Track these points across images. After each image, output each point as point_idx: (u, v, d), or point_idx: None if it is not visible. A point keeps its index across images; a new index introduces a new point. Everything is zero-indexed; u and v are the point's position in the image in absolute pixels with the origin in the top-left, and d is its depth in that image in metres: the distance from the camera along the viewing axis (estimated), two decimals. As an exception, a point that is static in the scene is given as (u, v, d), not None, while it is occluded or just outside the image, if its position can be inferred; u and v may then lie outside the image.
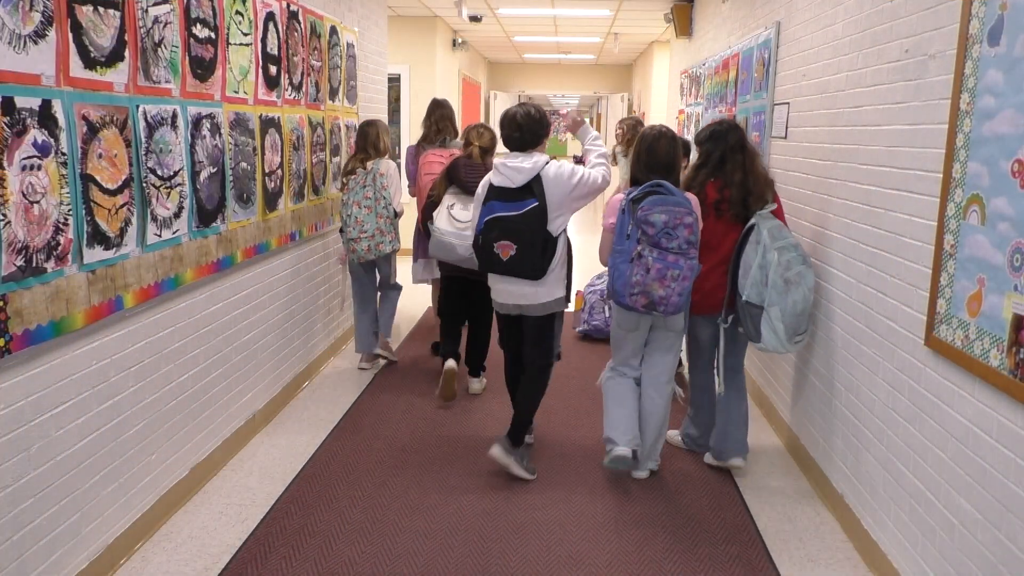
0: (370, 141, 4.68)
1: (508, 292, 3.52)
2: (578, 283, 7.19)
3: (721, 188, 3.45)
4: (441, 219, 4.07)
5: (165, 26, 2.91)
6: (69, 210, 2.39)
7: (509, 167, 3.41)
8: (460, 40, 11.78)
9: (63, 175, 2.35)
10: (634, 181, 3.41)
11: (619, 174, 6.52)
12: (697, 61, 7.23)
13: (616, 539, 3.05)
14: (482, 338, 4.64)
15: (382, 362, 5.16)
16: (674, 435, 4.03)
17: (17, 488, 2.26)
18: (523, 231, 3.33)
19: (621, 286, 3.23)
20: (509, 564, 2.86)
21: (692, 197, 3.35)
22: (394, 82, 9.77)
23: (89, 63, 2.47)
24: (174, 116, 3.00)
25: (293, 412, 4.30)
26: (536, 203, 3.33)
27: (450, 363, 4.40)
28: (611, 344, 3.63)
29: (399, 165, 4.99)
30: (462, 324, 4.64)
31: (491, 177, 3.49)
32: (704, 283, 3.42)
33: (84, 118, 2.44)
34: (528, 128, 3.43)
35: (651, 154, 3.36)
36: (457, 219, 4.04)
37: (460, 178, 4.15)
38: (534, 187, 3.35)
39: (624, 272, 3.21)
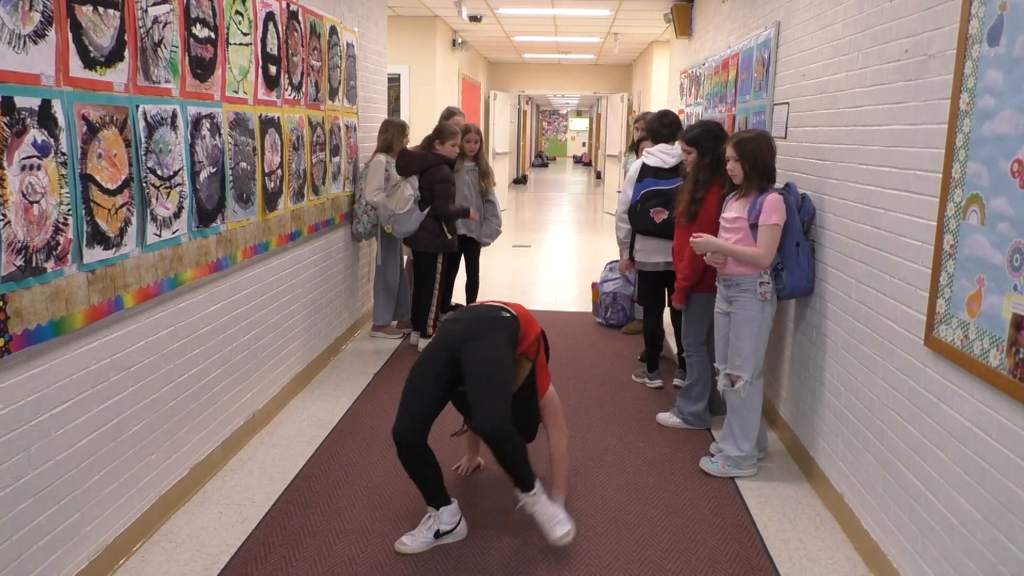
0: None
1: (660, 250, 4.41)
2: (593, 276, 7.25)
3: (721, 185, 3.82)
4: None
5: (165, 26, 2.91)
6: (69, 210, 2.39)
7: (663, 153, 4.45)
8: (460, 40, 11.78)
9: (63, 175, 2.35)
10: (761, 174, 3.50)
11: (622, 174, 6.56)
12: (697, 61, 7.23)
13: (616, 539, 3.05)
14: (424, 299, 5.47)
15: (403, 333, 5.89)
16: (667, 417, 4.18)
17: (17, 488, 2.26)
18: (673, 200, 4.16)
19: (812, 275, 3.55)
20: (510, 564, 2.86)
21: None
22: (394, 82, 9.77)
23: (89, 63, 2.47)
24: (174, 116, 3.00)
25: (293, 412, 4.30)
26: (681, 180, 4.16)
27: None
28: (756, 347, 3.53)
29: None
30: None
31: (645, 160, 4.49)
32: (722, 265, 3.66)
33: (84, 118, 2.44)
34: (675, 126, 4.61)
35: (775, 152, 3.58)
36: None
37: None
38: (680, 168, 4.29)
39: (812, 262, 3.55)
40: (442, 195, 5.23)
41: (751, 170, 3.47)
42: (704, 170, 3.89)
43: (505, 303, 3.19)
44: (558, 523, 2.88)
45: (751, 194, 3.50)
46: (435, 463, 2.94)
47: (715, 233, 3.67)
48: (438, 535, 2.93)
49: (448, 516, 2.95)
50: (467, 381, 2.87)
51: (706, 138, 3.89)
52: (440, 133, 5.35)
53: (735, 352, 3.57)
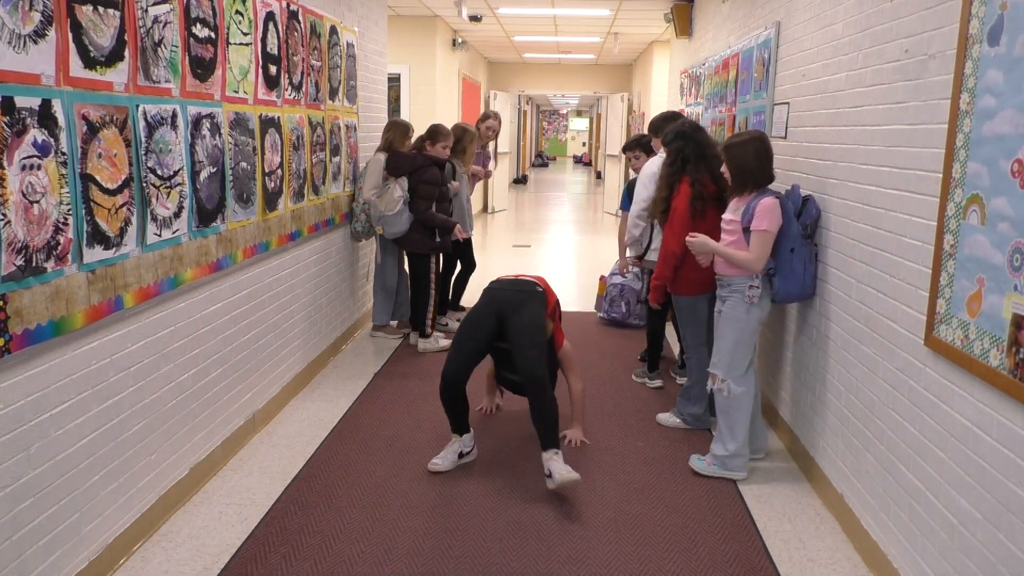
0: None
1: None
2: (592, 276, 7.24)
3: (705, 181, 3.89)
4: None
5: (165, 26, 2.91)
6: (69, 210, 2.39)
7: None
8: (460, 40, 11.78)
9: (63, 175, 2.35)
10: (748, 178, 3.47)
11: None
12: (697, 61, 7.23)
13: (616, 539, 3.05)
14: (421, 300, 5.46)
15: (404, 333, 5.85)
16: (667, 417, 4.18)
17: (17, 488, 2.26)
18: None
19: (811, 280, 3.53)
20: (509, 564, 2.86)
21: None
22: (394, 82, 9.77)
23: (89, 63, 2.47)
24: (174, 116, 3.00)
25: (293, 412, 4.30)
26: None
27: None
28: (735, 347, 3.52)
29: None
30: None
31: (657, 160, 4.43)
32: (708, 265, 3.69)
33: (84, 118, 2.44)
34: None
35: (770, 156, 3.53)
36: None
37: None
38: None
39: (810, 269, 3.51)
40: (424, 196, 5.21)
41: (738, 173, 3.50)
42: (668, 170, 3.96)
43: (532, 277, 3.96)
44: (569, 471, 3.30)
45: (745, 197, 3.51)
46: (466, 401, 3.66)
47: (684, 231, 3.74)
48: (461, 455, 3.66)
49: (468, 440, 3.70)
50: (513, 339, 3.60)
51: (674, 139, 3.95)
52: (432, 135, 5.35)
53: (715, 349, 3.62)
